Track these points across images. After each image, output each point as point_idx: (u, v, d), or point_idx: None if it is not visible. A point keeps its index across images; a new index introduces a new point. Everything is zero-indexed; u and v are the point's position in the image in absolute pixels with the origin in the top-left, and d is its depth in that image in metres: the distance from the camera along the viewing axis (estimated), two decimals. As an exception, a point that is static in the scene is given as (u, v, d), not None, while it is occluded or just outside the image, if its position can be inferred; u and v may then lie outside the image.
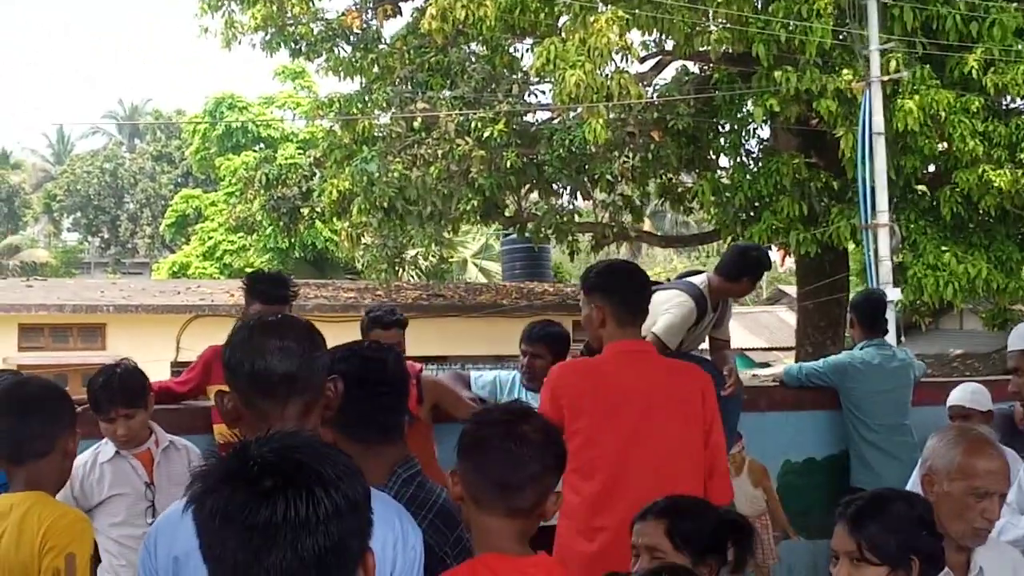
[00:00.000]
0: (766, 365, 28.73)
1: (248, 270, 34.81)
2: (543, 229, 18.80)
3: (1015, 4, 15.12)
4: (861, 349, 7.56)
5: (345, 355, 3.36)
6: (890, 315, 10.61)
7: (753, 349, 30.19)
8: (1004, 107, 16.23)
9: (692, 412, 4.89)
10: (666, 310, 6.77)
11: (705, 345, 7.39)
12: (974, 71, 14.89)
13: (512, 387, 6.67)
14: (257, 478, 1.96)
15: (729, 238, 16.99)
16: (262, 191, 21.60)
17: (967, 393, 7.02)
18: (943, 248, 15.64)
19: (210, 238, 37.03)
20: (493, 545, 2.91)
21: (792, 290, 24.55)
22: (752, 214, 16.98)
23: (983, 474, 3.79)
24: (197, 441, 5.77)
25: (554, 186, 18.67)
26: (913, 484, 5.59)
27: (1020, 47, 15.07)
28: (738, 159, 17.49)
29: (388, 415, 3.35)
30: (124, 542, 5.27)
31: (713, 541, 3.64)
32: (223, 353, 2.95)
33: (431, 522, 3.12)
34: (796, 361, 17.93)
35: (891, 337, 10.04)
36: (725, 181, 17.37)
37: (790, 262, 19.90)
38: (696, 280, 6.96)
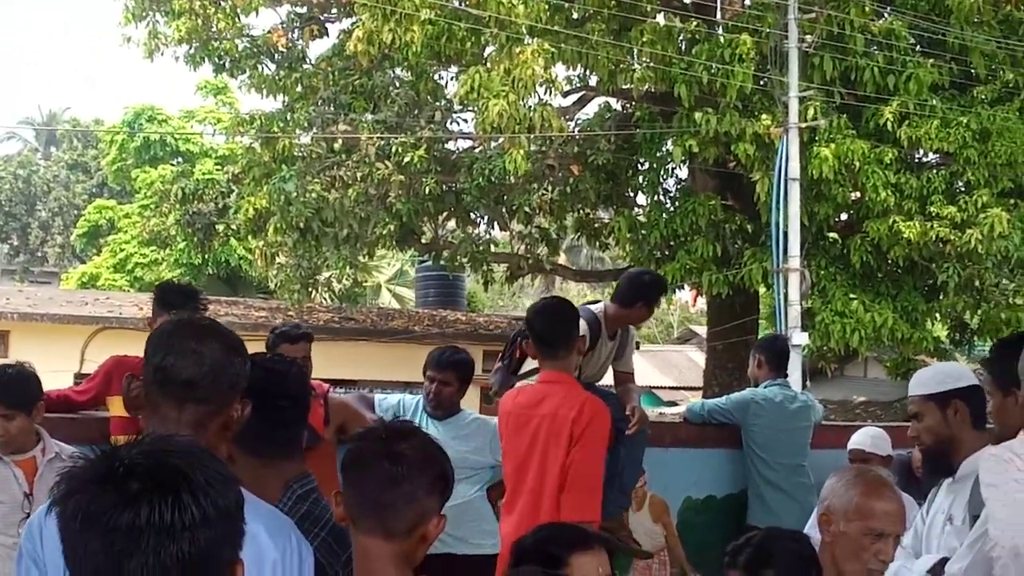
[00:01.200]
0: (674, 404, 28.87)
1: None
2: (459, 257, 18.79)
3: (931, 60, 15.41)
4: (765, 387, 7.65)
5: None
6: (796, 359, 10.74)
7: (662, 387, 30.32)
8: (916, 160, 16.55)
9: (562, 431, 5.36)
10: None
11: (611, 378, 7.44)
12: (889, 123, 15.17)
13: (415, 412, 6.65)
14: (123, 480, 1.91)
15: (643, 275, 17.05)
16: (178, 205, 21.39)
17: (867, 437, 7.13)
18: (851, 296, 15.86)
19: (122, 250, 36.53)
20: (371, 569, 2.82)
21: (702, 330, 24.73)
22: (667, 252, 17.12)
23: (879, 515, 3.84)
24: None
25: (472, 215, 18.68)
26: (811, 525, 5.67)
27: (934, 102, 15.37)
28: (655, 197, 17.64)
29: (286, 429, 3.31)
30: None
31: None
32: (149, 338, 2.92)
33: (323, 540, 3.08)
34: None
35: (796, 382, 10.16)
36: (642, 219, 17.49)
37: (702, 302, 20.05)
38: (592, 307, 7.09)
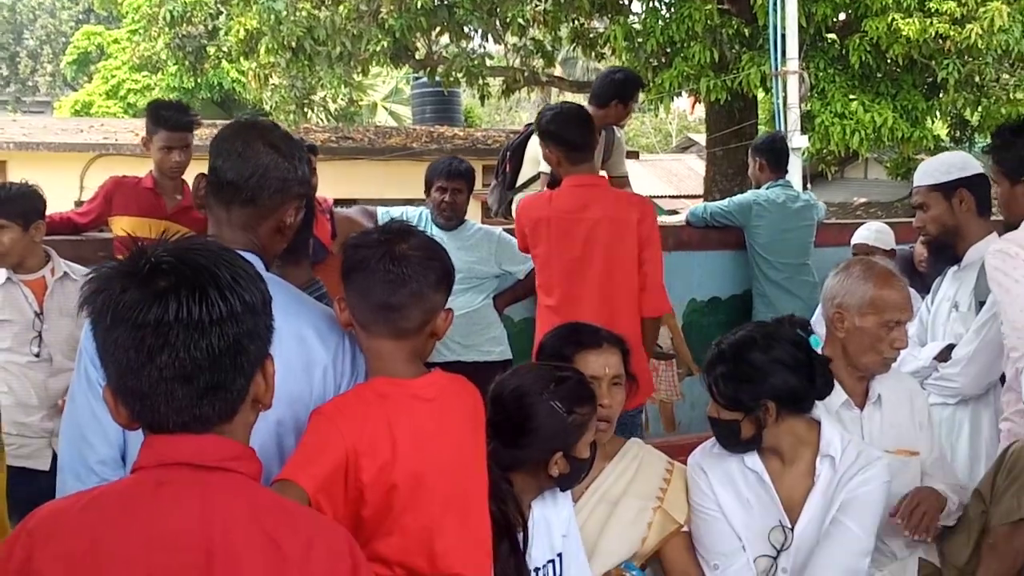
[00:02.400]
0: (675, 212, 28.83)
1: (152, 107, 34.39)
2: (453, 72, 18.55)
3: None
4: (767, 189, 7.66)
5: None
6: (796, 163, 10.70)
7: (662, 197, 30.22)
8: (916, -45, 16.22)
9: (628, 234, 5.57)
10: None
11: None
12: (888, -82, 14.84)
13: (419, 223, 6.68)
14: (150, 278, 1.96)
15: (640, 84, 16.92)
16: (166, 29, 21.03)
17: (871, 231, 7.18)
18: (850, 96, 15.71)
19: (113, 76, 36.11)
20: (383, 369, 2.87)
21: (701, 138, 24.61)
22: (664, 60, 16.90)
23: (893, 305, 3.91)
24: (98, 273, 5.72)
25: (465, 29, 18.38)
26: (816, 320, 5.73)
27: None
28: (651, 4, 17.31)
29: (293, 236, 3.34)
30: (7, 368, 5.25)
31: None
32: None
33: None
34: (704, 208, 18.11)
35: (798, 185, 10.15)
36: (637, 27, 17.20)
37: (700, 110, 19.90)
38: None
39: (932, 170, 4.78)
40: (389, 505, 2.76)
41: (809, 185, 17.45)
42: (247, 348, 2.06)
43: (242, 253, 2.59)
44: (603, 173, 7.47)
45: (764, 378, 3.54)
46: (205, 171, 2.91)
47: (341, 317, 2.93)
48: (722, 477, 3.67)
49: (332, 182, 18.11)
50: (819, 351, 3.72)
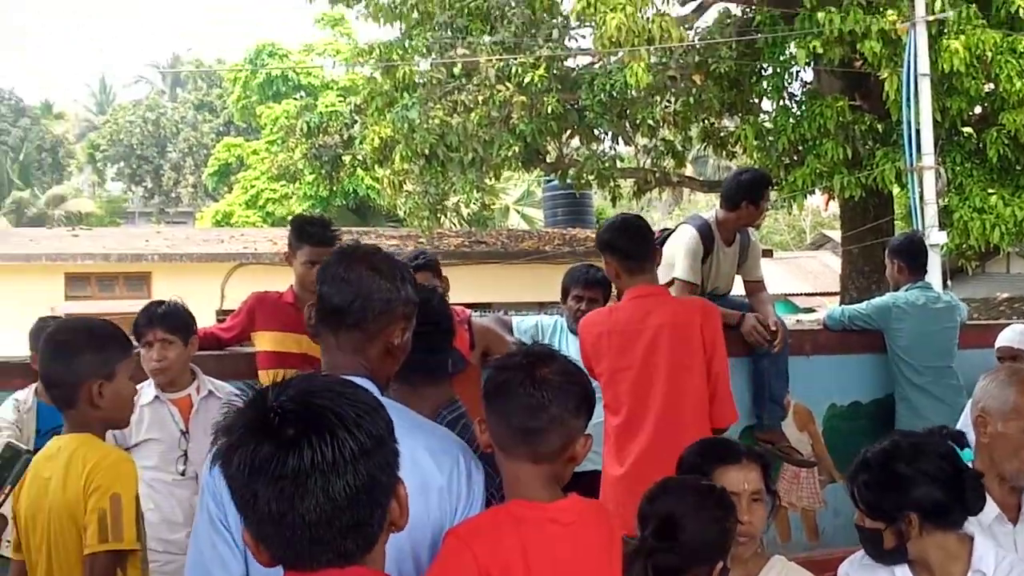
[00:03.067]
0: (810, 311, 28.60)
1: (290, 218, 35.04)
2: (584, 175, 18.71)
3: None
4: (906, 291, 7.52)
5: None
6: (936, 259, 10.53)
7: (797, 295, 30.06)
8: (1051, 46, 15.99)
9: (692, 339, 5.37)
10: (676, 248, 6.93)
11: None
12: (1021, 10, 14.65)
13: (554, 332, 6.67)
14: (279, 428, 1.99)
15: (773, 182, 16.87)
16: (304, 139, 21.64)
17: (1016, 334, 7.01)
18: (989, 191, 15.47)
19: (252, 187, 37.11)
20: (520, 492, 2.85)
21: (836, 235, 24.39)
22: (796, 158, 16.85)
23: None
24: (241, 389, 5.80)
25: (595, 131, 18.55)
26: (963, 425, 5.57)
27: (1069, -15, 14.81)
28: (781, 102, 17.27)
29: (433, 355, 3.34)
30: (153, 485, 5.30)
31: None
32: None
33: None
34: (841, 304, 17.87)
35: (936, 281, 9.98)
36: (768, 125, 17.20)
37: (834, 206, 19.75)
38: (703, 214, 7.24)
39: None
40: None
41: (949, 282, 17.16)
42: (381, 480, 2.07)
43: (355, 379, 2.62)
44: (738, 277, 7.42)
45: (907, 489, 3.44)
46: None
47: (481, 439, 2.93)
48: (873, 589, 3.57)
49: (465, 287, 18.29)
50: (972, 465, 3.60)
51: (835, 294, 22.69)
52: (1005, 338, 7.04)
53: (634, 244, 5.51)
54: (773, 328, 6.85)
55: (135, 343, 5.37)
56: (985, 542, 3.53)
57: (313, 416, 2.00)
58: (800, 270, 31.92)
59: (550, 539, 2.78)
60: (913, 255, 7.71)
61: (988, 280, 25.48)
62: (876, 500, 3.47)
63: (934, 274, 10.09)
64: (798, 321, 24.63)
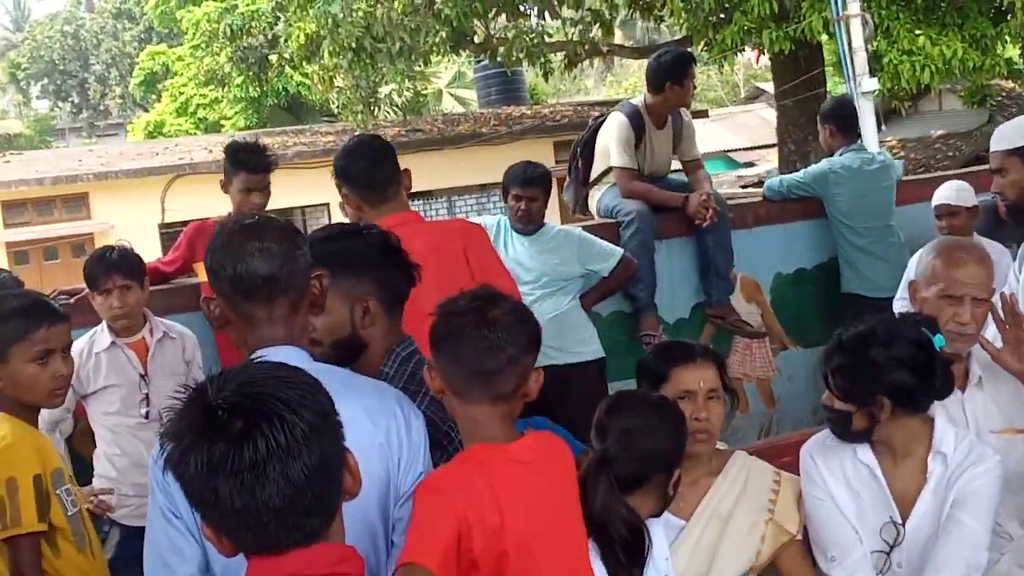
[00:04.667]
0: (750, 164, 28.73)
1: (223, 122, 34.49)
2: (514, 53, 18.55)
3: None
4: (840, 155, 7.62)
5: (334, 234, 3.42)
6: (868, 105, 10.57)
7: (736, 150, 30.14)
8: None
9: (459, 266, 4.73)
10: (609, 137, 6.98)
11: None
12: None
13: (499, 232, 6.68)
14: (228, 423, 2.01)
15: (701, 43, 16.84)
16: (228, 43, 21.37)
17: (952, 191, 7.10)
18: (917, 32, 15.47)
19: (181, 94, 36.66)
20: (481, 435, 2.92)
21: (770, 87, 24.38)
22: (723, 16, 16.76)
23: (953, 277, 3.87)
24: (191, 320, 5.83)
25: (522, 8, 18.43)
26: (901, 293, 5.71)
27: None
28: (705, -39, 17.17)
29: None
30: (117, 430, 5.39)
31: None
32: (205, 258, 2.94)
33: (432, 398, 3.16)
34: (780, 159, 17.97)
35: (871, 125, 10.03)
36: (693, -15, 17.10)
37: (765, 60, 19.70)
38: (634, 100, 7.24)
39: (1010, 134, 4.72)
40: (500, 573, 2.80)
41: (884, 125, 17.26)
42: (333, 454, 2.13)
43: (289, 353, 2.72)
44: (675, 159, 7.49)
45: (881, 374, 3.51)
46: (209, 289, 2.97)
47: (432, 385, 2.99)
48: (834, 468, 3.66)
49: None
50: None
51: (772, 146, 22.76)
52: (941, 196, 7.12)
53: (373, 170, 4.81)
54: (703, 200, 6.99)
55: (89, 290, 5.42)
56: (947, 423, 3.64)
57: (259, 405, 2.03)
58: (737, 125, 31.97)
59: (516, 479, 2.86)
60: (844, 118, 7.81)
61: (921, 119, 25.60)
62: (850, 384, 3.54)
63: (868, 119, 10.12)
64: (739, 177, 24.77)
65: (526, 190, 6.56)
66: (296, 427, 2.03)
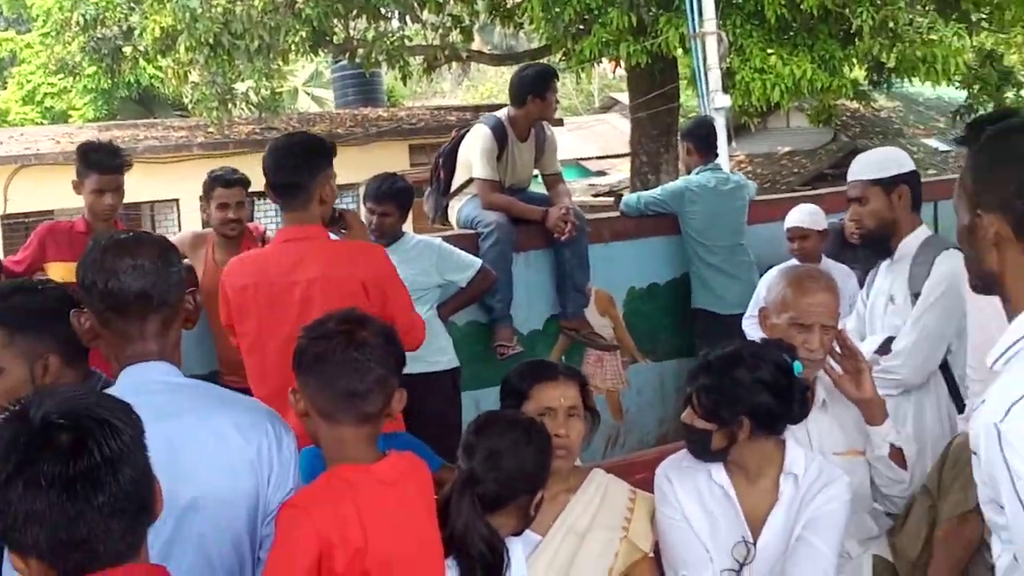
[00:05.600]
0: (602, 173, 29.03)
1: (71, 112, 33.65)
2: (374, 55, 18.51)
3: None
4: (697, 174, 7.80)
5: None
6: (721, 121, 10.84)
7: (589, 158, 30.39)
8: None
9: (353, 294, 4.58)
10: (472, 148, 7.05)
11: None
12: None
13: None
14: (55, 438, 2.02)
15: (560, 52, 17.02)
16: (80, 32, 20.84)
17: (804, 214, 7.32)
18: (769, 51, 15.83)
19: (28, 81, 35.64)
20: (346, 455, 2.98)
21: (624, 97, 24.67)
22: (582, 27, 16.94)
23: (803, 306, 4.03)
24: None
25: (382, 10, 18.36)
26: (751, 311, 5.88)
27: None
28: (566, -29, 17.32)
29: None
30: None
31: None
32: (77, 272, 2.92)
33: None
34: (631, 170, 18.21)
35: (722, 140, 10.27)
36: (554, -5, 17.23)
37: (621, 71, 19.95)
38: (496, 113, 7.30)
39: (872, 164, 4.93)
40: (361, 592, 2.86)
41: (734, 141, 17.59)
42: (148, 467, 2.16)
43: (156, 365, 2.79)
44: (536, 172, 7.59)
45: (745, 396, 3.63)
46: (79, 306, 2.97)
47: (296, 407, 3.04)
48: (689, 489, 3.77)
49: (261, 176, 17.90)
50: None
51: (625, 156, 23.02)
52: (794, 219, 7.32)
53: (282, 169, 4.72)
54: (562, 213, 7.10)
55: None
56: (796, 445, 3.78)
57: (84, 416, 2.06)
58: (591, 134, 32.22)
59: (380, 500, 2.92)
60: (703, 138, 8.01)
61: (769, 135, 26.18)
62: (715, 404, 3.65)
63: (720, 135, 10.35)
64: (591, 185, 25.02)
65: (379, 205, 6.58)
66: (124, 433, 2.07)
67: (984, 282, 2.44)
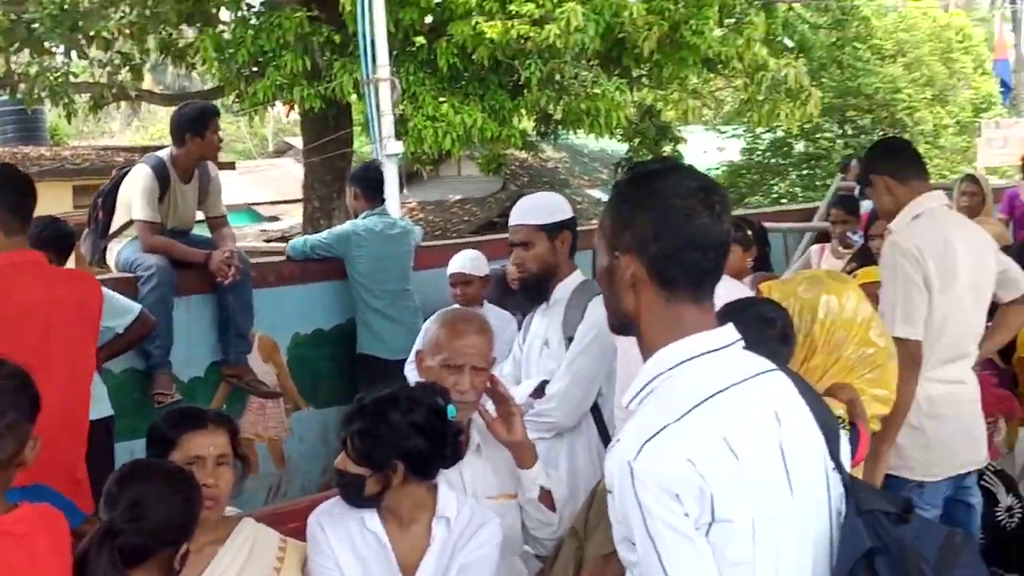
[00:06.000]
0: (275, 219, 28.77)
1: None
2: (36, 91, 17.81)
3: None
4: (364, 218, 7.81)
5: None
6: (392, 168, 10.89)
7: (261, 203, 30.08)
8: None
9: (70, 326, 4.76)
10: (132, 189, 6.86)
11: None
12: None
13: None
14: None
15: (233, 94, 16.83)
16: None
17: (467, 260, 7.42)
18: (441, 99, 16.07)
19: None
20: None
21: (298, 141, 24.57)
22: (256, 70, 16.79)
23: (455, 348, 4.06)
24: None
25: (47, 44, 17.69)
26: (411, 360, 5.90)
27: None
28: (240, 13, 17.13)
29: None
30: None
31: None
32: None
33: None
34: (304, 215, 18.13)
35: (393, 187, 10.33)
36: (228, 36, 17.02)
37: (295, 115, 19.86)
38: (159, 153, 7.15)
39: (537, 209, 5.02)
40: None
41: (405, 189, 17.74)
42: None
43: None
44: (200, 215, 7.43)
45: (399, 440, 3.59)
46: None
47: None
48: (342, 536, 3.71)
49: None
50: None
51: (298, 201, 22.89)
52: (456, 264, 7.42)
53: (17, 198, 4.76)
54: (226, 257, 6.97)
55: None
56: (449, 489, 3.78)
57: None
58: (264, 179, 31.92)
59: (5, 552, 2.75)
60: (370, 182, 8.05)
61: (441, 183, 26.58)
62: (369, 448, 3.60)
63: (391, 180, 10.39)
64: (263, 231, 24.76)
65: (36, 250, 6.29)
66: None
67: (621, 322, 2.51)
